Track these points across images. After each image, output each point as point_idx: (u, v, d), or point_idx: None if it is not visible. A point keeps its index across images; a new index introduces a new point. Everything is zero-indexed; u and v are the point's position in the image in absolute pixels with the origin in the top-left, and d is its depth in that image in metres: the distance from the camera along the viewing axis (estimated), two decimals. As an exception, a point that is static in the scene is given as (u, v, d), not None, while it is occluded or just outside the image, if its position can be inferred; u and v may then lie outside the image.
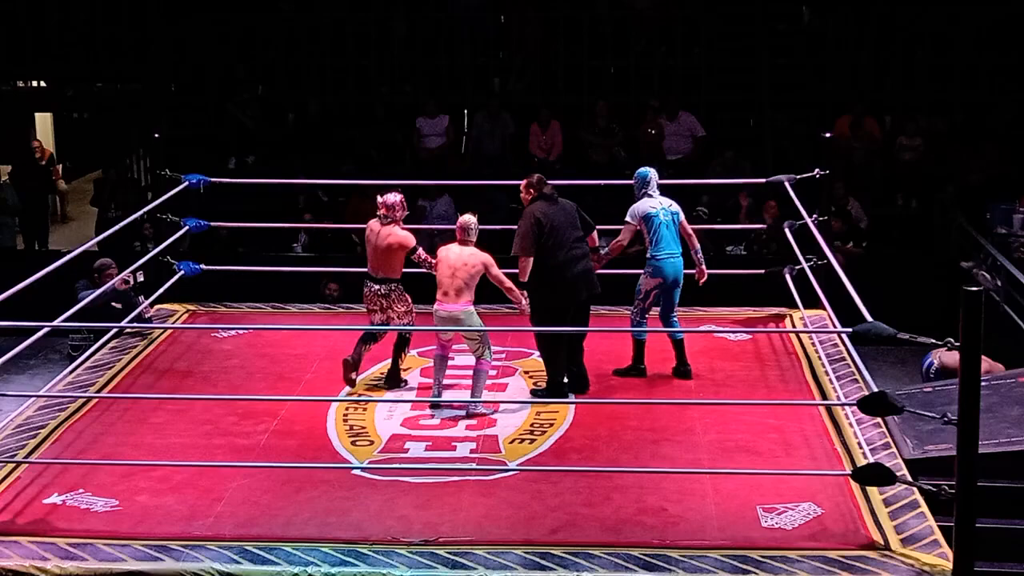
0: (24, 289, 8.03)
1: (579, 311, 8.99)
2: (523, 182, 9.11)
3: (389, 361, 9.29)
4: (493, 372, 9.11)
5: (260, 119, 16.57)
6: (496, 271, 8.77)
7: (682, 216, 9.42)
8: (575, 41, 16.68)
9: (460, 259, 8.70)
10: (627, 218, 9.30)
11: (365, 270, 9.13)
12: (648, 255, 9.26)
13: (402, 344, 9.13)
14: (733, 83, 16.45)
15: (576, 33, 16.69)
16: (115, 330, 9.82)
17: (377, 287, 9.00)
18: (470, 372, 8.92)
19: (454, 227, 9.00)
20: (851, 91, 16.08)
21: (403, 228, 9.00)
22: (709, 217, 13.98)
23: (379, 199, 9.01)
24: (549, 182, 9.11)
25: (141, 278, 10.35)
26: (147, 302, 10.34)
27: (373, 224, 9.05)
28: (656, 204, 9.26)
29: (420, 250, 8.98)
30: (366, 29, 16.85)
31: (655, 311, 9.40)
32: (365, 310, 9.22)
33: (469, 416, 8.55)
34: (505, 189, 13.17)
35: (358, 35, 16.91)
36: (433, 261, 8.89)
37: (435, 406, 8.69)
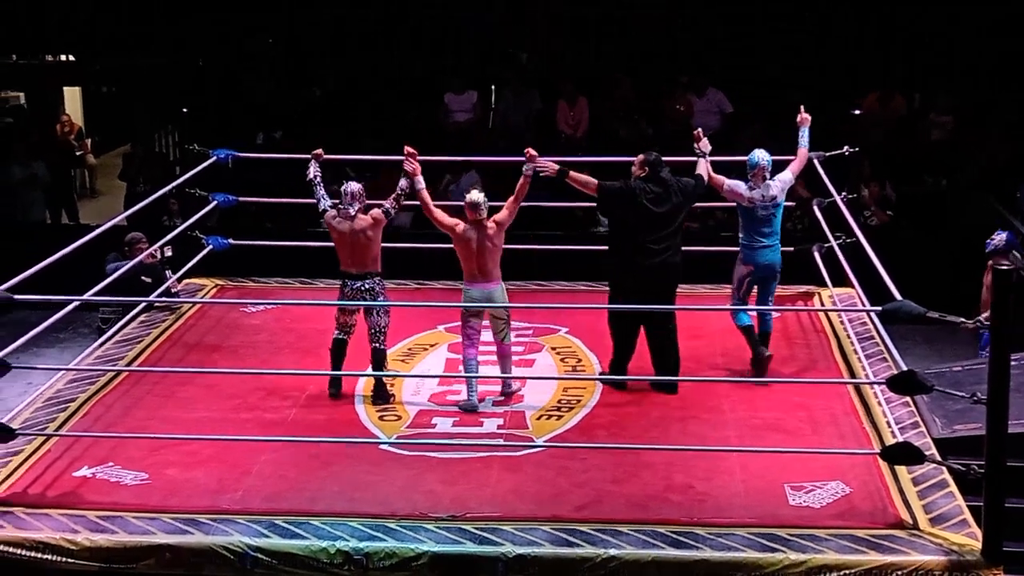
0: (54, 263, 8.07)
1: (656, 311, 8.50)
2: (637, 158, 8.73)
3: (422, 334, 9.32)
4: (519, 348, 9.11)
5: (275, 92, 16.55)
6: (509, 212, 8.47)
7: (791, 176, 9.06)
8: (602, 17, 16.63)
9: (484, 238, 8.42)
10: (726, 184, 8.93)
11: (346, 270, 8.66)
12: (741, 241, 9.02)
13: (381, 361, 8.68)
14: (763, 60, 16.37)
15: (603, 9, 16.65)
16: (144, 304, 9.86)
17: (360, 283, 8.57)
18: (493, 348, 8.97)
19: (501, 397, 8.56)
20: (881, 67, 15.99)
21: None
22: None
23: (342, 189, 8.64)
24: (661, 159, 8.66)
25: (169, 252, 10.38)
26: (175, 277, 10.37)
27: (339, 224, 8.60)
28: (758, 197, 8.87)
29: (390, 201, 8.56)
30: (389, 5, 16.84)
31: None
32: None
33: (507, 396, 8.41)
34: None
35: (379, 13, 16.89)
36: (406, 185, 8.59)
37: (468, 410, 8.29)
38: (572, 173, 8.61)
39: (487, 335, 8.63)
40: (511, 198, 8.53)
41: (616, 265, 8.64)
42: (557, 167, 8.61)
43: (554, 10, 16.70)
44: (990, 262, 9.82)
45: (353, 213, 8.57)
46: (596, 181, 8.62)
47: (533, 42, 16.78)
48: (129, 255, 10.27)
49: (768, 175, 8.94)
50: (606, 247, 8.83)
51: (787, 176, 9.07)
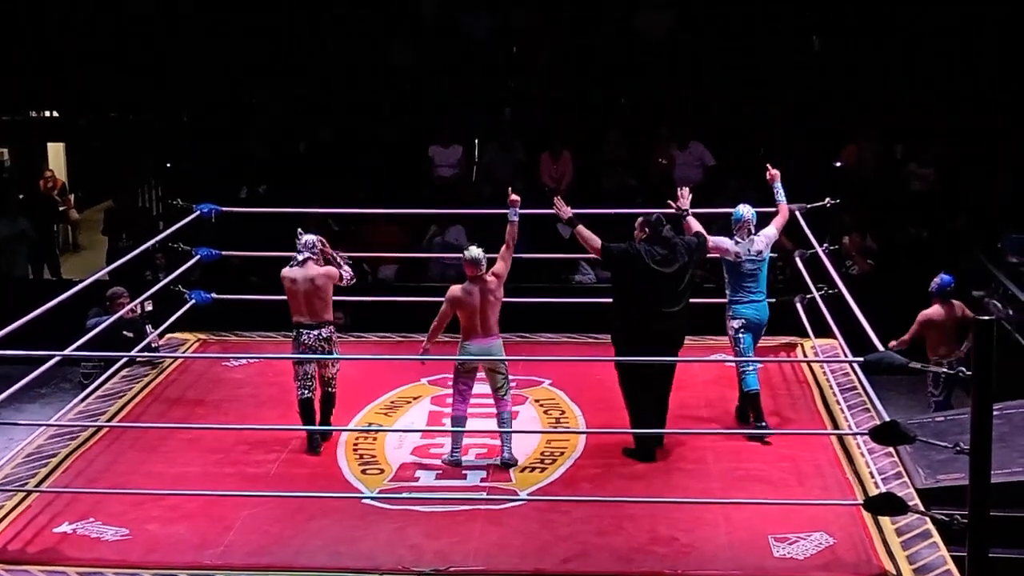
0: (35, 318, 8.05)
1: (660, 371, 8.45)
2: (638, 221, 8.53)
3: (405, 387, 9.34)
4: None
5: (271, 146, 16.60)
6: (505, 263, 8.48)
7: (775, 230, 9.08)
8: (585, 70, 16.71)
9: (486, 293, 8.37)
10: (711, 240, 8.82)
11: (299, 320, 8.73)
12: (728, 297, 9.00)
13: (332, 403, 8.79)
14: (743, 112, 16.45)
15: (587, 62, 16.72)
16: (126, 359, 9.83)
17: (318, 332, 8.67)
18: (477, 400, 8.97)
19: (460, 256, 8.72)
20: (861, 119, 16.08)
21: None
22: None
23: (298, 241, 8.75)
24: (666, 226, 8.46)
25: (151, 307, 10.36)
26: (156, 332, 10.36)
27: (291, 272, 8.69)
28: (744, 251, 8.89)
29: (347, 271, 8.91)
30: (376, 57, 16.90)
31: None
32: (297, 365, 8.72)
33: (507, 465, 8.20)
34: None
35: (369, 64, 16.95)
36: (342, 257, 8.91)
37: (452, 465, 8.26)
38: (580, 228, 8.44)
39: (481, 387, 8.56)
40: (504, 248, 8.53)
41: (628, 329, 8.35)
42: (571, 213, 8.51)
43: (541, 63, 16.78)
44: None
45: (301, 259, 8.71)
46: (600, 242, 8.40)
47: (524, 91, 16.84)
48: (111, 310, 10.27)
49: (753, 229, 8.97)
50: (612, 305, 8.48)
51: (771, 231, 9.09)
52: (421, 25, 17.13)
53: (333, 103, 16.91)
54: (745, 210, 9.01)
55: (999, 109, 15.97)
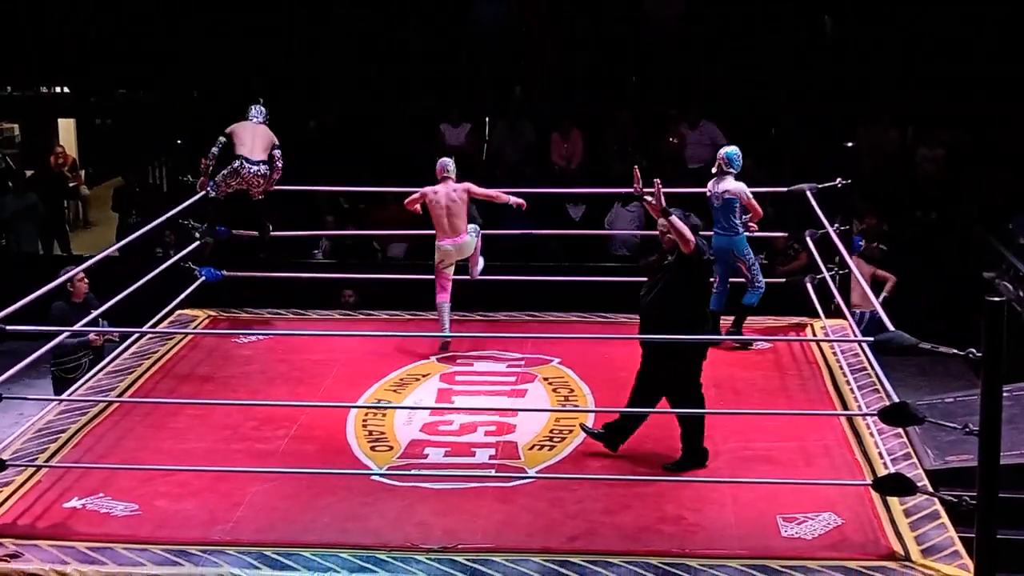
0: (46, 294, 8.06)
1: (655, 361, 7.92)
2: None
3: (414, 364, 9.36)
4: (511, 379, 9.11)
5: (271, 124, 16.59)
6: (479, 190, 9.92)
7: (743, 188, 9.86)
8: (596, 50, 16.68)
9: (449, 197, 9.77)
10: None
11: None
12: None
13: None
14: (753, 92, 16.42)
15: (598, 42, 16.69)
16: (132, 337, 9.85)
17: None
18: (486, 379, 8.98)
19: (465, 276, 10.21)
20: (872, 101, 16.05)
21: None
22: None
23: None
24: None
25: (116, 337, 10.18)
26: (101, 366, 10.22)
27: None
28: (709, 190, 9.96)
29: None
30: (389, 36, 16.89)
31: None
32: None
33: (474, 279, 10.04)
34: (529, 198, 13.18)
35: (380, 44, 16.94)
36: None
37: (445, 344, 9.75)
38: (673, 217, 7.82)
39: (487, 365, 8.82)
40: (488, 193, 10.01)
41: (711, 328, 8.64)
42: (663, 204, 7.92)
43: (553, 41, 16.74)
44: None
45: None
46: (694, 240, 7.78)
47: (531, 74, 16.81)
48: (73, 294, 10.23)
49: (726, 168, 9.80)
50: (692, 305, 7.91)
51: (740, 186, 9.81)
52: (433, 5, 17.09)
53: (343, 82, 16.91)
54: (725, 150, 9.96)
55: (1008, 92, 15.93)
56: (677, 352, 7.76)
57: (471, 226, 10.03)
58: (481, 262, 10.31)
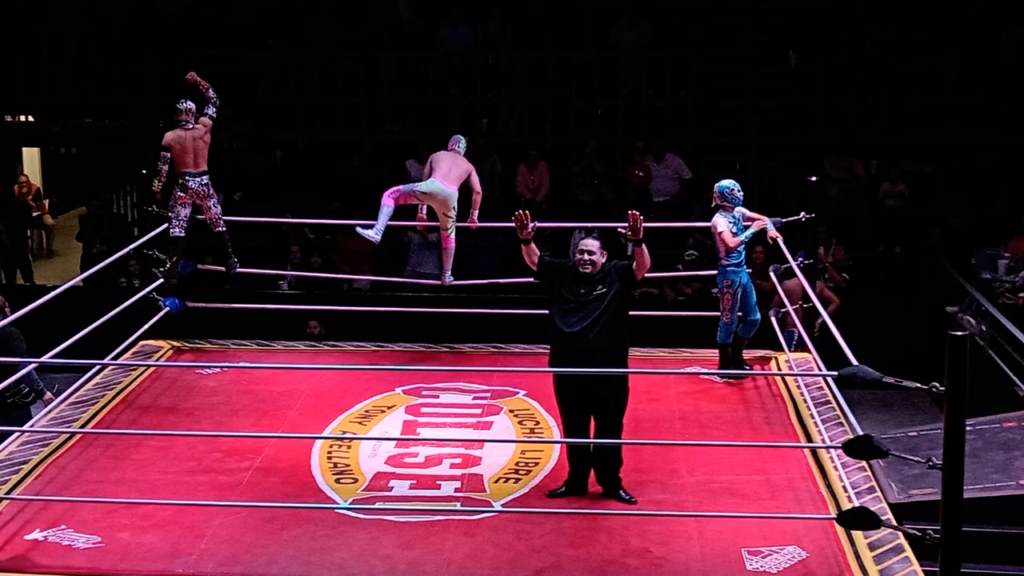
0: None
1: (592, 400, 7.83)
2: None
3: (379, 396, 9.35)
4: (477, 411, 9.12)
5: (247, 154, 16.59)
6: (476, 179, 10.52)
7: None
8: (563, 83, 16.75)
9: (455, 159, 10.50)
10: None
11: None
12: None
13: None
14: (719, 125, 16.53)
15: (565, 74, 16.76)
16: (97, 367, 9.78)
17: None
18: (452, 411, 8.97)
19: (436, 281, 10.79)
20: (837, 134, 16.17)
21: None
22: (699, 258, 14.03)
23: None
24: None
25: (50, 395, 9.98)
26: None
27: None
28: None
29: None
30: (355, 67, 16.91)
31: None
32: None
33: (444, 283, 10.63)
34: (497, 229, 13.20)
35: (347, 73, 16.96)
36: None
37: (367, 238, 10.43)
38: (643, 247, 7.83)
39: (453, 397, 8.59)
40: (477, 191, 10.61)
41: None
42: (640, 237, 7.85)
43: (519, 74, 16.80)
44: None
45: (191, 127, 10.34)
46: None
47: (498, 105, 16.85)
48: None
49: (719, 201, 9.92)
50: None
51: (715, 220, 9.88)
52: (399, 37, 17.13)
53: (309, 113, 16.91)
54: (718, 184, 10.02)
55: (970, 124, 16.09)
56: (623, 380, 7.80)
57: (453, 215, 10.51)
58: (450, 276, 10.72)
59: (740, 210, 9.95)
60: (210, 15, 17.37)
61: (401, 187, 10.63)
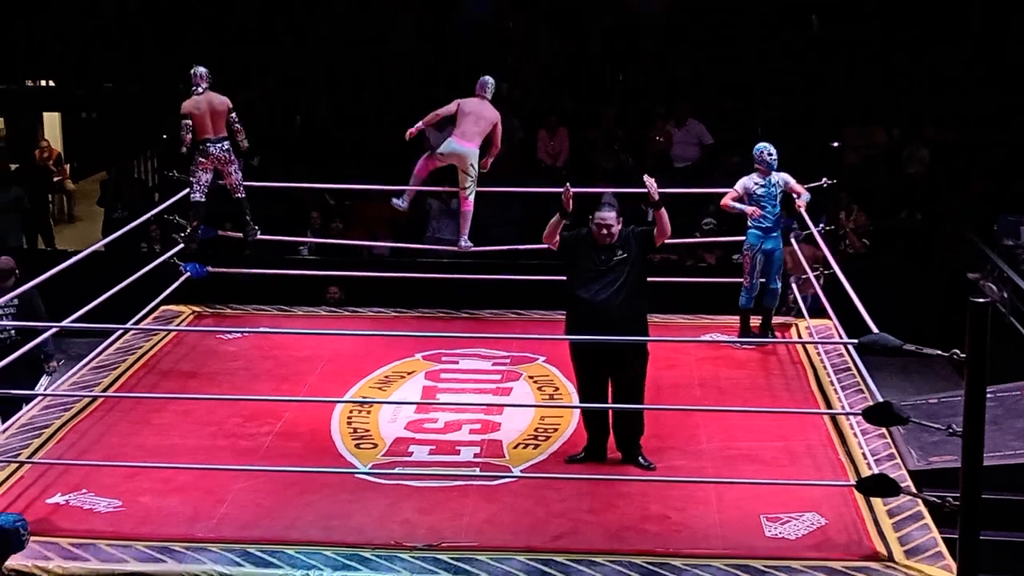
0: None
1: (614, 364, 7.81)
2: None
3: (399, 362, 9.35)
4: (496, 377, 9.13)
5: (258, 120, 16.56)
6: (497, 132, 10.56)
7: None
8: (583, 47, 16.69)
9: (480, 110, 10.51)
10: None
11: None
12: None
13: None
14: (740, 91, 16.45)
15: (584, 39, 16.70)
16: (121, 329, 9.81)
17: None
18: (471, 376, 8.98)
19: (453, 247, 10.97)
20: (859, 100, 16.08)
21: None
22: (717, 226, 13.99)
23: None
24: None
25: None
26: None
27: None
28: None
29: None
30: (374, 31, 16.87)
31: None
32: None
33: (460, 248, 10.69)
34: (516, 196, 13.21)
35: (365, 40, 16.92)
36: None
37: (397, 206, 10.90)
38: (663, 210, 7.90)
39: (473, 363, 8.66)
40: (494, 145, 10.66)
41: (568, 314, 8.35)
42: (658, 197, 7.90)
43: (538, 40, 16.75)
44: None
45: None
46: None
47: (517, 72, 16.80)
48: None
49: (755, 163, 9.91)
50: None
51: (741, 182, 9.95)
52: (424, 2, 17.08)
53: (330, 78, 16.88)
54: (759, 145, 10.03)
55: (992, 92, 15.98)
56: (643, 349, 7.79)
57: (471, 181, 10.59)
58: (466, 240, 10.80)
59: (782, 176, 9.88)
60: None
61: (425, 155, 10.74)
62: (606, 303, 7.64)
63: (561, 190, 8.12)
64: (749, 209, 9.83)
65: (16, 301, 9.44)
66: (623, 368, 7.74)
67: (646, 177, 8.00)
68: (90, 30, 17.32)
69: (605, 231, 7.75)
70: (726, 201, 9.96)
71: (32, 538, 6.78)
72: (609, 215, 7.76)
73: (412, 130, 10.65)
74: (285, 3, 17.26)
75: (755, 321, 10.22)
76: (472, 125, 10.49)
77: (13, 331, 9.54)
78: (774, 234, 9.92)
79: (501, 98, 16.22)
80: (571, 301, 7.80)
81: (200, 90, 10.42)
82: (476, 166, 10.53)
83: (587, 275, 7.73)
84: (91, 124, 20.92)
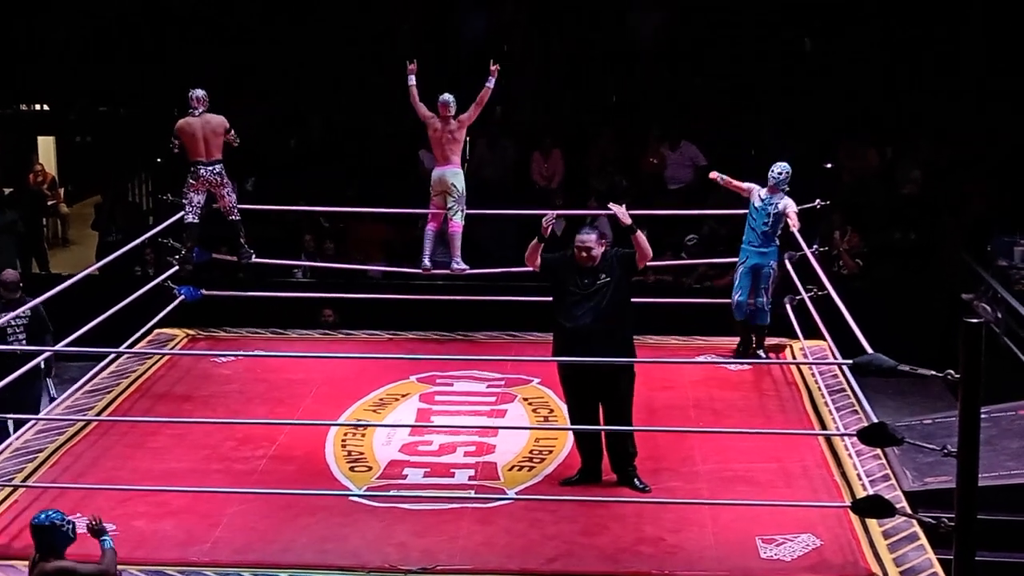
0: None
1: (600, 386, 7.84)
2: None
3: (393, 384, 9.34)
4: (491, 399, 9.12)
5: (261, 141, 16.58)
6: (470, 114, 10.51)
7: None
8: (578, 70, 16.71)
9: (448, 131, 10.45)
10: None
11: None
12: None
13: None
14: (734, 112, 16.46)
15: (579, 62, 16.72)
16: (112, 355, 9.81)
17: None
18: (466, 399, 8.98)
19: (446, 270, 10.83)
20: (852, 120, 16.09)
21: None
22: (705, 246, 13.97)
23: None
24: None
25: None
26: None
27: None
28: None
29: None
30: (370, 49, 16.88)
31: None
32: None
33: (452, 271, 10.62)
34: (511, 217, 13.19)
35: (361, 58, 16.94)
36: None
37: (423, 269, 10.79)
38: (639, 234, 7.87)
39: (468, 385, 8.73)
40: (473, 104, 10.44)
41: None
42: (630, 221, 7.93)
43: (533, 62, 16.76)
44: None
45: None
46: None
47: (512, 92, 16.80)
48: (3, 295, 10.16)
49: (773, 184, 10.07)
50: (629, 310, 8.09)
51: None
52: (416, 24, 17.09)
53: (324, 101, 16.89)
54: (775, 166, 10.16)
55: (986, 110, 16.00)
56: (630, 370, 7.80)
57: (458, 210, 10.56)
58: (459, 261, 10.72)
59: (786, 201, 10.04)
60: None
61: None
62: (590, 327, 7.65)
63: (552, 212, 8.14)
64: (735, 184, 10.25)
65: (28, 313, 9.70)
66: (611, 390, 7.74)
67: (612, 204, 8.07)
68: (84, 54, 17.32)
69: (585, 253, 7.75)
70: (727, 178, 10.21)
71: (25, 562, 6.77)
72: (589, 237, 7.77)
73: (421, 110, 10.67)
74: (280, 29, 17.25)
75: None
76: (446, 147, 10.50)
77: (24, 342, 9.86)
78: (762, 250, 9.98)
79: (495, 119, 16.34)
80: (556, 325, 7.82)
81: (197, 112, 10.46)
82: (459, 186, 10.51)
83: (571, 299, 7.74)
84: (85, 148, 20.89)
